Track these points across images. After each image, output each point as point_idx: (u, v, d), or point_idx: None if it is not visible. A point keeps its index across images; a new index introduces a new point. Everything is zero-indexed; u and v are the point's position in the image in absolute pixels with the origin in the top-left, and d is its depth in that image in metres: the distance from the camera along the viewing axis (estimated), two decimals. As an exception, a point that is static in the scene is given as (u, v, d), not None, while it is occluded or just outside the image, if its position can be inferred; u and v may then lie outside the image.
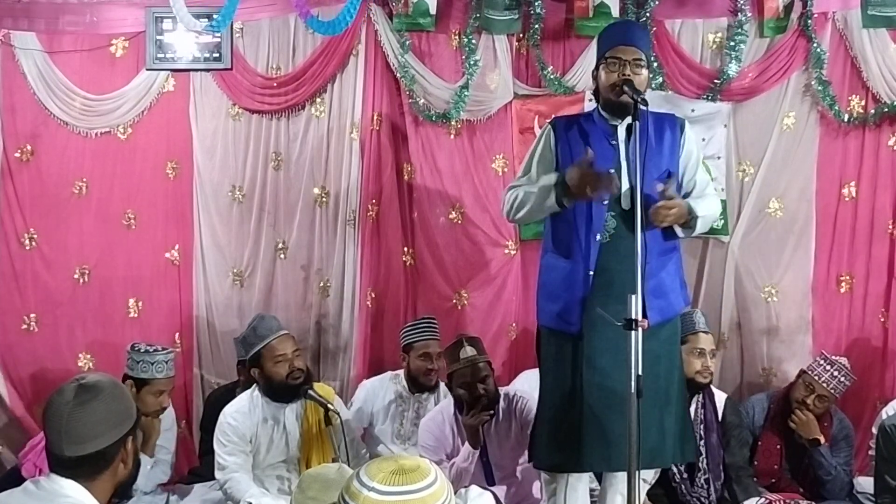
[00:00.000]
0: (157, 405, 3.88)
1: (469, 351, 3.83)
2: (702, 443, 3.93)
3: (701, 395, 3.99)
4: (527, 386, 4.12)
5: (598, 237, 3.10)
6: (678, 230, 3.15)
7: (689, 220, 3.12)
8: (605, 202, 3.11)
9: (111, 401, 2.14)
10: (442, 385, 4.38)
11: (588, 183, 2.96)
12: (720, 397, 4.09)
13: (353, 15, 3.89)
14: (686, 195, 3.20)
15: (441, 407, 4.05)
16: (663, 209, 3.01)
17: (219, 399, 4.30)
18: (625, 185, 3.09)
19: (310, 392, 3.77)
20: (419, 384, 4.28)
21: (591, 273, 3.11)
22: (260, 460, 3.82)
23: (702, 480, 3.92)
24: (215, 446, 3.81)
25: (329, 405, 3.73)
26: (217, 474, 3.78)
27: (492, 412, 3.81)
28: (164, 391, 3.93)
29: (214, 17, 4.00)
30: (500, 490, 3.87)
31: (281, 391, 3.79)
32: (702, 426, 3.95)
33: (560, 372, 3.17)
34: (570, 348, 3.14)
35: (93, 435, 2.09)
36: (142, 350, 3.87)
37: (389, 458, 1.79)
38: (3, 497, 2.15)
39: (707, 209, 3.19)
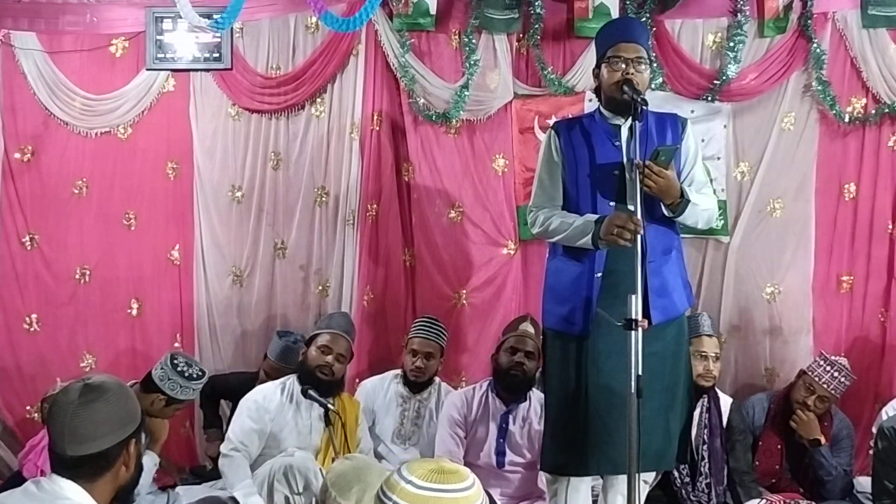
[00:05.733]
0: (173, 413, 3.91)
1: (528, 327, 4.11)
2: (705, 447, 3.96)
3: (706, 399, 4.02)
4: None
5: None
6: (664, 209, 3.10)
7: (679, 202, 3.07)
8: (612, 203, 3.11)
9: (116, 402, 2.15)
10: (443, 385, 4.41)
11: (616, 227, 2.93)
12: (725, 401, 4.11)
13: (370, 14, 3.90)
14: None
15: (479, 384, 4.22)
16: (648, 170, 2.95)
17: (243, 384, 4.32)
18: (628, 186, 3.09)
19: (310, 392, 3.84)
20: (408, 381, 4.30)
21: (599, 275, 3.11)
22: (280, 440, 3.87)
23: (703, 485, 3.94)
24: (234, 417, 3.92)
25: (329, 405, 3.79)
26: (223, 445, 3.87)
27: (526, 391, 4.05)
28: None
29: (216, 16, 4.01)
30: (501, 486, 3.97)
31: (306, 377, 3.91)
32: (706, 430, 3.97)
33: (565, 374, 3.18)
34: (575, 350, 3.14)
35: (95, 435, 2.10)
36: (187, 375, 3.76)
37: (432, 460, 1.88)
38: (3, 497, 2.15)
39: (700, 201, 3.16)
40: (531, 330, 4.10)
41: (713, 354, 4.03)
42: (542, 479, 3.86)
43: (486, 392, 4.11)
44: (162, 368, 3.74)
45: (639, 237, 2.89)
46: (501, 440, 4.02)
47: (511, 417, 4.04)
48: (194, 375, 3.77)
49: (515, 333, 4.13)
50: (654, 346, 2.97)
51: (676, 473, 3.91)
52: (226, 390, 4.54)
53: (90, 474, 2.11)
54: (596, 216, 3.08)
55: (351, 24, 3.99)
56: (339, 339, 3.97)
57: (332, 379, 3.91)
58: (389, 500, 1.77)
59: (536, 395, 4.05)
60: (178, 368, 3.73)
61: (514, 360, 4.03)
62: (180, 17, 4.58)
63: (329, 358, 3.90)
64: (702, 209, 3.18)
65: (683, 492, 3.93)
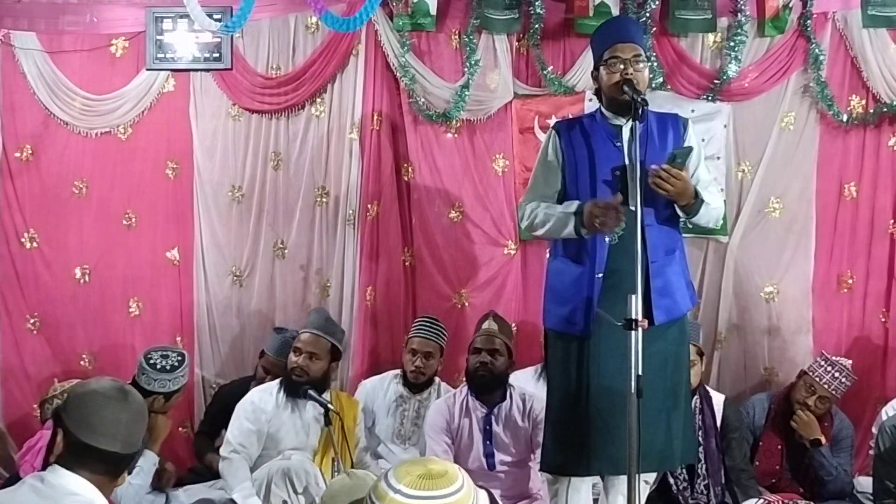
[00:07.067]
0: (176, 401, 3.91)
1: (491, 325, 4.10)
2: (700, 448, 3.92)
3: (698, 400, 3.99)
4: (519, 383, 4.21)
5: (607, 239, 3.09)
6: (679, 211, 3.12)
7: (693, 203, 3.08)
8: None
9: (143, 404, 2.23)
10: (443, 385, 4.40)
11: (596, 216, 2.95)
12: (718, 399, 4.10)
13: (370, 14, 3.90)
14: None
15: (458, 389, 4.18)
16: (664, 172, 2.98)
17: (231, 392, 4.33)
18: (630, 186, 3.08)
19: (309, 392, 3.82)
20: (408, 381, 4.30)
21: (601, 275, 3.10)
22: (278, 440, 3.87)
23: (701, 486, 3.93)
24: (232, 420, 3.89)
25: (329, 405, 3.77)
26: (222, 448, 3.87)
27: (502, 390, 4.02)
28: None
29: (217, 16, 4.00)
30: (495, 488, 3.93)
31: (287, 380, 3.90)
32: (700, 431, 3.94)
33: (566, 374, 3.17)
34: (577, 350, 3.14)
35: (140, 434, 2.18)
36: (169, 368, 3.76)
37: (419, 462, 1.82)
38: (9, 494, 2.13)
39: (711, 200, 3.17)
40: (495, 327, 4.08)
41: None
42: (536, 476, 3.88)
43: (466, 397, 4.06)
44: (144, 374, 3.73)
45: (639, 237, 2.89)
46: (488, 442, 3.99)
47: (493, 418, 4.00)
48: (175, 364, 3.78)
49: (479, 333, 4.12)
50: (656, 347, 2.97)
51: (672, 480, 3.90)
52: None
53: (119, 471, 2.15)
54: (575, 205, 3.08)
55: (351, 24, 3.99)
56: (310, 338, 3.94)
57: (308, 379, 3.86)
58: None
59: (518, 392, 4.04)
60: (158, 367, 3.74)
61: (479, 360, 4.00)
62: (181, 17, 4.60)
63: (299, 359, 3.88)
64: (713, 210, 3.20)
65: (682, 496, 3.91)
